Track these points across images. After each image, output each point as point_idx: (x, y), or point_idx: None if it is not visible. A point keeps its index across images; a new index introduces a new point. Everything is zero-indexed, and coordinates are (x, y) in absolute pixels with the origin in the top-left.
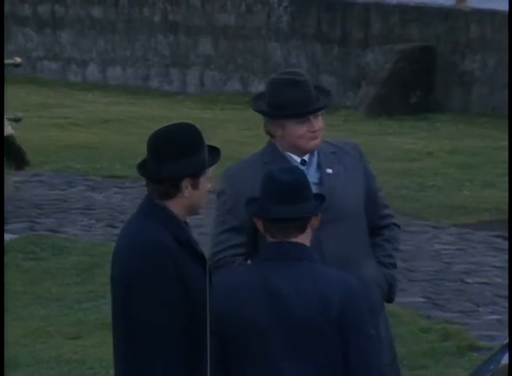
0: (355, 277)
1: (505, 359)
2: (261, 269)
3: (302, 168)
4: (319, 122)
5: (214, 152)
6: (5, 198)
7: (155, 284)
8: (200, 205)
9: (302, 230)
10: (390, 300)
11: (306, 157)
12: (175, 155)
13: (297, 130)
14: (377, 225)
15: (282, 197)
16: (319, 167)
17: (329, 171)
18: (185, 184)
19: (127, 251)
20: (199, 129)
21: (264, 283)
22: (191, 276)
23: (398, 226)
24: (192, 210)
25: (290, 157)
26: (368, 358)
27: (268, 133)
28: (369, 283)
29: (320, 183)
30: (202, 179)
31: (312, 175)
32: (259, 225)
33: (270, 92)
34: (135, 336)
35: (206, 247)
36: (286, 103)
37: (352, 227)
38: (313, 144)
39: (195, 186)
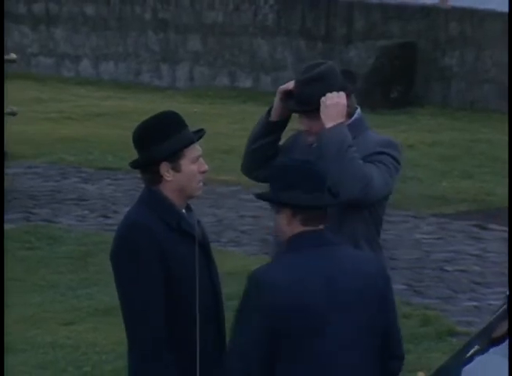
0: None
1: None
2: (311, 257)
3: None
4: (305, 123)
5: (198, 134)
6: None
7: (130, 262)
8: (191, 187)
9: (327, 218)
10: None
11: None
12: (150, 142)
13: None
14: None
15: (316, 185)
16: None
17: None
18: (165, 168)
19: (115, 233)
20: (177, 115)
21: (319, 271)
22: (179, 259)
23: None
24: (184, 193)
25: None
26: (400, 332)
27: None
28: None
29: None
30: (183, 162)
31: None
32: (285, 214)
33: None
34: (121, 310)
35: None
36: None
37: None
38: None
39: (176, 169)
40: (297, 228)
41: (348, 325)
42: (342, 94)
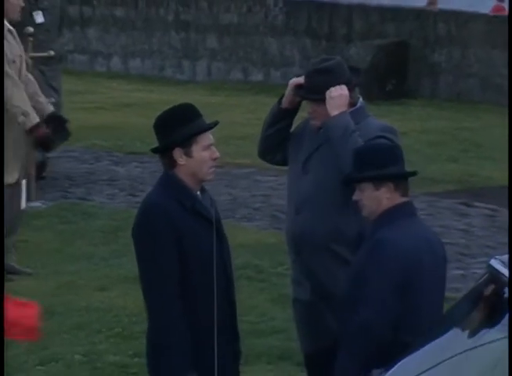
0: None
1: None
2: (415, 224)
3: None
4: (312, 107)
5: (211, 124)
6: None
7: (148, 240)
8: (202, 172)
9: None
10: None
11: None
12: (166, 130)
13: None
14: None
15: (402, 158)
16: None
17: None
18: (178, 154)
19: (137, 211)
20: (192, 106)
21: (422, 235)
22: (193, 236)
23: None
24: (196, 177)
25: None
26: None
27: None
28: None
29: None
30: (195, 148)
31: None
32: (387, 188)
33: None
34: (140, 284)
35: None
36: None
37: None
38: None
39: (188, 155)
40: (398, 199)
41: (442, 285)
42: (344, 87)
